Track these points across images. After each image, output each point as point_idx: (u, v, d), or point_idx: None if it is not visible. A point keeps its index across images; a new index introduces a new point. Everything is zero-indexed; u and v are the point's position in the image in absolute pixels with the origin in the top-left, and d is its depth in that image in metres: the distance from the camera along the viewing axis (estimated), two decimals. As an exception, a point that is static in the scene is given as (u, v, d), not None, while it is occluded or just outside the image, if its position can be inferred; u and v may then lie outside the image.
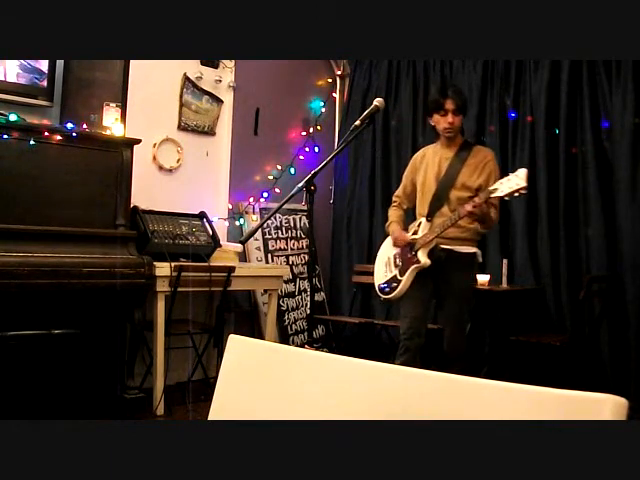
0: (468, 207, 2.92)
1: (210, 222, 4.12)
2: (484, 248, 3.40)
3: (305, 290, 5.03)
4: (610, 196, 3.88)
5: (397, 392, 0.86)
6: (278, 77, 5.01)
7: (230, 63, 4.72)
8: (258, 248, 4.83)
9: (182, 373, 4.05)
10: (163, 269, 3.51)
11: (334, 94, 5.49)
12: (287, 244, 5.04)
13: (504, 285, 4.11)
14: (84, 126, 3.51)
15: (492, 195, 2.83)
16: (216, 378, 1.12)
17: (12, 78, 3.44)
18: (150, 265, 3.42)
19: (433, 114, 3.22)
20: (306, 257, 5.06)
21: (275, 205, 3.57)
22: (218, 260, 3.95)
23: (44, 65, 3.54)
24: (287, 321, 4.89)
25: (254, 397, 1.04)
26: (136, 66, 3.93)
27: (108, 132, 3.61)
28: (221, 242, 4.11)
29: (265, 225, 4.83)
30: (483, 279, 3.97)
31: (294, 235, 5.11)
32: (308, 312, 4.80)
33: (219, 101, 4.65)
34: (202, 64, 4.55)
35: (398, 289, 3.19)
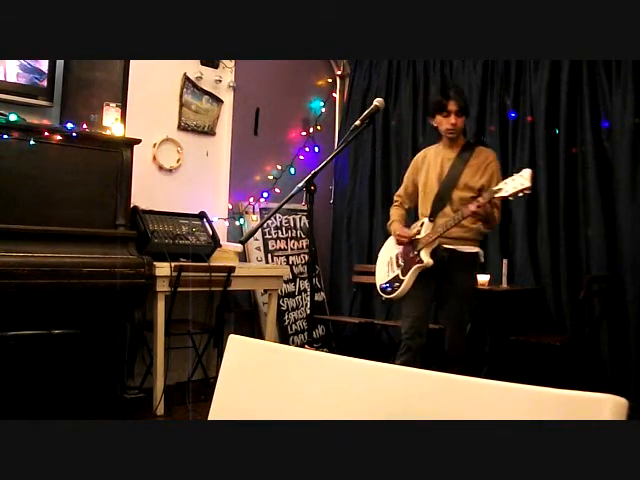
0: (472, 207, 2.93)
1: (210, 222, 4.12)
2: (484, 248, 3.40)
3: (305, 290, 5.03)
4: (610, 196, 3.88)
5: (397, 392, 0.86)
6: (278, 77, 5.01)
7: (230, 63, 4.72)
8: (258, 248, 4.83)
9: (182, 373, 4.05)
10: (163, 269, 3.51)
11: (334, 94, 5.49)
12: (287, 244, 5.04)
13: (504, 285, 4.11)
14: (84, 126, 3.51)
15: (496, 195, 2.83)
16: (216, 378, 1.12)
17: (12, 78, 3.44)
18: (150, 265, 3.42)
19: (436, 115, 3.22)
20: (306, 257, 5.06)
21: (275, 205, 3.57)
22: (218, 260, 3.95)
23: (44, 65, 3.54)
24: (287, 321, 4.89)
25: (254, 397, 1.04)
26: (136, 66, 3.93)
27: (108, 132, 3.62)
28: (221, 242, 4.11)
29: (265, 225, 4.83)
30: (483, 279, 3.97)
31: (294, 235, 5.11)
32: (308, 312, 4.80)
33: (219, 101, 4.65)
34: (202, 64, 4.55)
35: (400, 289, 3.19)
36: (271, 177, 4.97)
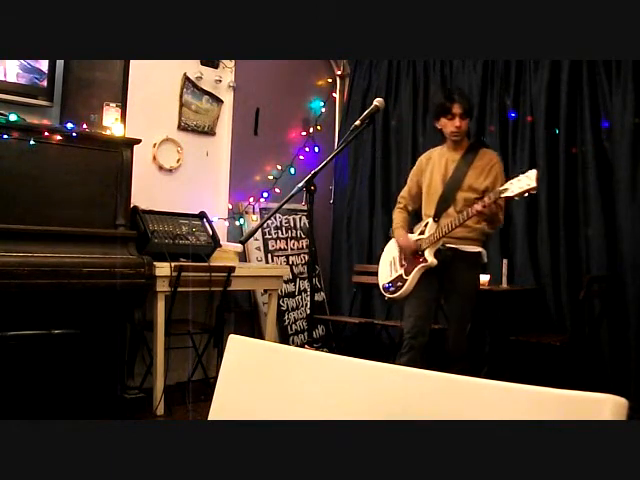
0: (478, 207, 2.95)
1: (210, 222, 4.12)
2: (484, 248, 3.41)
3: (305, 290, 5.03)
4: (610, 196, 3.88)
5: (397, 392, 0.86)
6: (278, 77, 5.01)
7: (230, 63, 4.72)
8: (258, 248, 4.83)
9: (182, 373, 4.05)
10: (163, 269, 3.51)
11: (334, 94, 5.49)
12: (287, 244, 5.04)
13: (504, 285, 4.11)
14: (84, 126, 3.51)
15: (502, 195, 2.84)
16: (216, 378, 1.12)
17: (12, 78, 3.44)
18: (150, 265, 3.42)
19: (440, 118, 3.25)
20: (306, 257, 5.06)
21: (275, 205, 3.57)
22: (218, 260, 3.95)
23: (44, 65, 3.54)
24: (287, 321, 4.89)
25: (254, 397, 1.04)
26: (136, 66, 3.93)
27: (108, 132, 3.62)
28: (221, 242, 4.11)
29: (265, 225, 4.83)
30: (483, 279, 3.96)
31: (294, 235, 5.11)
32: (308, 312, 4.80)
33: (219, 101, 4.65)
34: (202, 64, 4.55)
35: (403, 288, 3.20)
36: (271, 177, 4.97)
